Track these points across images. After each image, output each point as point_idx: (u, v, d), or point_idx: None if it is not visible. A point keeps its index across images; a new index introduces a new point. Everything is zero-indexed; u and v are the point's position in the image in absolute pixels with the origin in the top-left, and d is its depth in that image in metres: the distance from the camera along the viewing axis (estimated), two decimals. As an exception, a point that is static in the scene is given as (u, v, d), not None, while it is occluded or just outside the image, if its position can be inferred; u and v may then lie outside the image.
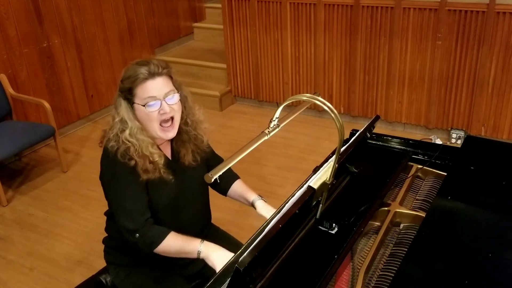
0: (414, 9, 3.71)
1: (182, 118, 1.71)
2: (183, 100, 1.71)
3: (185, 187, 1.76)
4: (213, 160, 1.88)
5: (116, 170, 1.62)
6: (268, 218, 1.72)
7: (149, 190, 1.67)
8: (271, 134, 1.45)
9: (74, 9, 4.27)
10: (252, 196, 1.87)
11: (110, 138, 1.62)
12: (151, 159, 1.62)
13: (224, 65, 4.84)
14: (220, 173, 1.34)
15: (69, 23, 4.26)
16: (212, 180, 1.32)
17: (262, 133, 1.44)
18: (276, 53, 4.45)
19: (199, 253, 1.62)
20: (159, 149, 1.69)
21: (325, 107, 1.32)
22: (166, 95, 1.61)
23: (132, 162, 1.60)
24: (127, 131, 1.60)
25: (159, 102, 1.60)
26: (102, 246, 1.91)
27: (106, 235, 1.90)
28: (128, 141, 1.60)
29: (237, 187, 1.92)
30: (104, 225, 1.89)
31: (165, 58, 5.28)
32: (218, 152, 1.96)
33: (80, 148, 4.16)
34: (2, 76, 3.76)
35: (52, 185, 3.66)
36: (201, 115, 1.79)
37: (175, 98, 1.64)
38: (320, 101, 1.33)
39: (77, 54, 4.37)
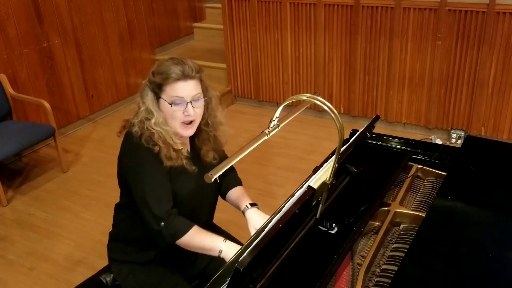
0: (414, 9, 3.71)
1: (203, 119, 1.74)
2: (207, 102, 1.74)
3: (204, 183, 1.76)
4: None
5: (139, 155, 1.64)
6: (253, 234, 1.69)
7: (172, 179, 1.67)
8: (271, 134, 1.45)
9: (74, 9, 4.28)
10: (243, 204, 1.83)
11: (135, 123, 1.65)
12: (175, 147, 1.64)
13: (224, 65, 4.84)
14: (220, 172, 1.34)
15: (69, 23, 4.26)
16: (212, 180, 1.32)
17: (262, 133, 1.44)
18: (276, 53, 4.45)
19: (220, 251, 1.61)
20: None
21: (325, 107, 1.32)
22: (193, 98, 1.64)
23: (156, 148, 1.62)
24: (153, 120, 1.63)
25: (185, 103, 1.63)
26: (102, 246, 1.91)
27: (110, 232, 1.90)
28: (153, 128, 1.62)
29: (234, 193, 1.90)
30: (104, 225, 1.89)
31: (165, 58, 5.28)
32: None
33: (80, 148, 4.16)
34: (2, 76, 3.76)
35: (52, 185, 3.66)
36: (223, 117, 1.81)
37: (200, 102, 1.67)
38: (320, 101, 1.33)
39: (77, 54, 4.37)
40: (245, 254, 1.20)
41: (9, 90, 3.76)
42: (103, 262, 1.98)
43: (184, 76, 1.62)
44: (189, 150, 1.77)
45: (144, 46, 5.11)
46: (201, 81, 1.70)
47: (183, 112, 1.64)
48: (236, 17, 4.52)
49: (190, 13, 5.69)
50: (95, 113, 4.64)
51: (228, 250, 1.61)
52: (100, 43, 4.58)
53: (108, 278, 1.87)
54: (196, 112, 1.66)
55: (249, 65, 4.66)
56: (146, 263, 1.80)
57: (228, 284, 1.27)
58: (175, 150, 1.64)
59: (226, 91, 4.83)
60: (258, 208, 1.83)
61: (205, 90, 1.72)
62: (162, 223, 1.61)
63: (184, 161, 1.66)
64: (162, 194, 1.64)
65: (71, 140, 4.32)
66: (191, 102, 1.64)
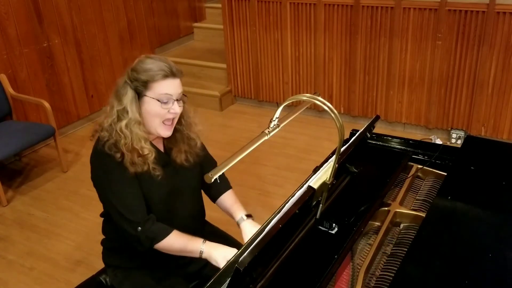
0: (414, 9, 3.71)
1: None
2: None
3: (177, 186, 1.75)
4: (207, 163, 1.87)
5: (102, 163, 1.64)
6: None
7: (140, 183, 1.66)
8: (271, 134, 1.45)
9: (74, 9, 4.28)
10: (238, 215, 1.83)
11: (104, 127, 1.64)
12: (140, 152, 1.61)
13: (224, 65, 4.84)
14: (220, 173, 1.34)
15: (69, 23, 4.26)
16: (212, 180, 1.32)
17: (262, 133, 1.44)
18: (276, 53, 4.45)
19: (201, 252, 1.63)
20: (152, 144, 1.68)
21: (325, 107, 1.32)
22: (179, 95, 1.64)
23: (118, 155, 1.60)
24: (124, 122, 1.60)
25: (172, 101, 1.62)
26: (102, 248, 1.91)
27: (102, 238, 1.89)
28: (122, 132, 1.59)
29: (226, 199, 1.89)
30: (103, 225, 1.89)
31: (165, 58, 5.28)
32: (218, 152, 1.95)
33: (80, 148, 4.16)
34: (2, 76, 3.76)
35: (52, 185, 3.66)
36: (196, 118, 1.80)
37: (183, 100, 1.67)
38: (320, 101, 1.33)
39: (77, 54, 4.37)
40: (245, 254, 1.20)
41: (9, 90, 3.76)
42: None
43: (173, 73, 1.61)
44: (163, 149, 1.75)
45: (144, 46, 5.11)
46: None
47: (169, 110, 1.62)
48: (236, 17, 4.52)
49: (190, 13, 5.69)
50: (95, 113, 4.64)
51: (209, 249, 1.62)
52: (100, 43, 4.58)
53: (108, 279, 1.87)
54: (181, 109, 1.66)
55: (249, 65, 4.66)
56: (141, 266, 1.79)
57: (228, 284, 1.27)
58: (141, 156, 1.61)
59: (226, 91, 4.83)
60: (253, 219, 1.82)
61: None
62: (139, 228, 1.61)
63: (151, 166, 1.63)
64: (132, 201, 1.63)
65: (71, 140, 4.32)
66: (176, 100, 1.63)
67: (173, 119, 1.65)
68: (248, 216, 1.82)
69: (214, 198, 1.92)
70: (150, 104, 1.61)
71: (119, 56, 4.80)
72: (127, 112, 1.61)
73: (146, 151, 1.62)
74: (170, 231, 1.64)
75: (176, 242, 1.64)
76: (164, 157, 1.73)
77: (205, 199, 1.94)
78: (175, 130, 1.73)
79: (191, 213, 1.85)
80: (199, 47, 5.60)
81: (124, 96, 1.63)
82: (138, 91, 1.62)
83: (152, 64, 1.60)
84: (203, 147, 1.85)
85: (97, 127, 1.71)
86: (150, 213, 1.66)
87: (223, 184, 1.92)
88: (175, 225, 1.69)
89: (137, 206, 1.63)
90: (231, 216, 1.86)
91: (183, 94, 1.67)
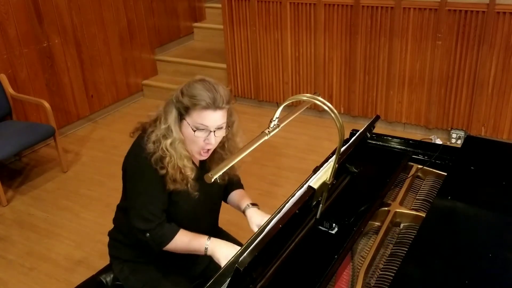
0: (414, 9, 3.71)
1: (220, 142, 1.69)
2: (229, 126, 1.69)
3: (206, 199, 1.77)
4: (231, 173, 1.86)
5: (145, 172, 1.62)
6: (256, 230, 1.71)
7: (174, 198, 1.67)
8: (271, 134, 1.45)
9: (74, 9, 4.27)
10: (244, 204, 1.85)
11: (150, 138, 1.61)
12: (183, 171, 1.62)
13: (224, 65, 4.84)
14: (220, 173, 1.34)
15: (69, 23, 4.26)
16: (212, 180, 1.32)
17: (262, 133, 1.44)
18: (276, 53, 4.45)
19: (206, 249, 1.64)
20: (194, 163, 1.69)
21: (325, 107, 1.32)
22: (218, 127, 1.60)
23: (163, 171, 1.60)
24: (169, 140, 1.60)
25: (208, 132, 1.59)
26: (102, 246, 1.90)
27: (111, 229, 1.90)
28: (167, 149, 1.59)
29: (236, 194, 1.91)
30: (104, 225, 1.89)
31: (165, 58, 5.29)
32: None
33: (80, 148, 4.16)
34: (2, 76, 3.76)
35: (52, 185, 3.66)
36: (242, 143, 1.77)
37: (222, 131, 1.63)
38: (320, 101, 1.33)
39: (77, 54, 4.37)
40: (245, 254, 1.20)
41: (9, 90, 3.76)
42: (103, 262, 1.98)
43: (214, 106, 1.55)
44: (199, 165, 1.75)
45: (144, 46, 5.11)
46: (229, 108, 1.64)
47: (204, 140, 1.60)
48: (236, 17, 4.52)
49: (190, 13, 5.69)
50: (95, 113, 4.64)
51: (213, 246, 1.64)
52: (100, 43, 4.58)
53: (108, 278, 1.87)
54: (216, 140, 1.63)
55: (249, 65, 4.66)
56: (148, 262, 1.81)
57: (228, 284, 1.27)
58: (182, 173, 1.62)
59: (226, 91, 4.83)
60: (258, 208, 1.84)
61: (229, 116, 1.67)
62: (148, 234, 1.64)
63: (190, 184, 1.64)
64: (152, 210, 1.64)
65: (71, 140, 4.32)
66: (214, 131, 1.59)
67: (208, 149, 1.64)
68: (254, 204, 1.84)
69: (225, 198, 1.94)
70: (188, 129, 1.60)
71: (119, 56, 4.80)
72: (172, 131, 1.61)
73: (188, 171, 1.63)
74: (176, 232, 1.66)
75: (182, 240, 1.66)
76: (202, 172, 1.73)
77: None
78: (215, 152, 1.73)
79: (212, 221, 1.90)
80: (199, 47, 5.60)
81: (169, 114, 1.62)
82: (181, 113, 1.61)
83: (198, 91, 1.57)
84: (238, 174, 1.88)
85: (140, 126, 1.70)
86: (161, 221, 1.66)
87: (235, 185, 1.93)
88: (196, 230, 1.71)
89: (152, 215, 1.64)
90: (239, 208, 1.87)
91: (226, 125, 1.63)
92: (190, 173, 1.63)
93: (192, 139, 1.61)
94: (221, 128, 1.62)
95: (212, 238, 1.66)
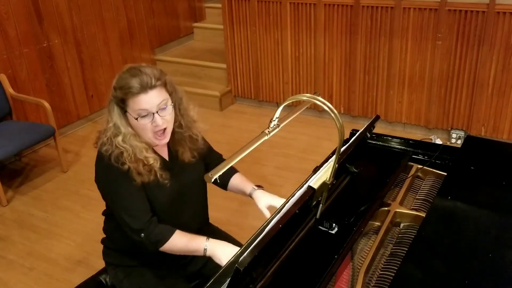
0: (414, 9, 3.71)
1: (176, 121, 1.69)
2: (177, 103, 1.69)
3: (183, 186, 1.76)
4: (210, 156, 1.88)
5: (111, 174, 1.62)
6: (267, 213, 1.73)
7: (147, 192, 1.67)
8: (271, 134, 1.45)
9: (74, 9, 4.28)
10: (249, 188, 1.85)
11: (104, 141, 1.62)
12: (145, 162, 1.61)
13: (224, 65, 4.84)
14: (220, 173, 1.34)
15: (69, 23, 4.26)
16: (212, 180, 1.32)
17: (262, 133, 1.43)
18: (276, 53, 4.45)
19: (205, 250, 1.62)
20: (155, 152, 1.68)
21: (325, 107, 1.32)
22: (159, 106, 1.58)
23: (126, 167, 1.60)
24: (120, 137, 1.60)
25: (151, 114, 1.58)
26: (102, 246, 1.91)
27: (102, 239, 1.90)
28: (122, 146, 1.59)
29: (235, 180, 1.90)
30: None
31: (165, 58, 5.29)
32: (218, 152, 1.96)
33: (80, 148, 4.16)
34: (2, 76, 3.76)
35: (52, 185, 3.66)
36: (195, 115, 1.77)
37: (168, 109, 1.61)
38: (320, 101, 1.33)
39: (77, 54, 4.37)
40: (245, 254, 1.20)
41: (9, 90, 3.76)
42: (103, 262, 1.97)
43: (143, 88, 1.54)
44: (168, 154, 1.75)
45: (144, 46, 5.11)
46: (165, 85, 1.62)
47: (151, 123, 1.59)
48: (236, 17, 4.52)
49: (190, 13, 5.69)
50: (95, 113, 4.64)
51: (213, 246, 1.62)
52: (100, 43, 4.58)
53: (108, 278, 1.87)
54: (165, 120, 1.61)
55: (249, 65, 4.66)
56: (141, 265, 1.80)
57: (228, 284, 1.27)
58: (146, 165, 1.61)
59: (226, 91, 4.83)
60: (263, 189, 1.84)
61: (172, 92, 1.66)
62: (142, 234, 1.62)
63: (158, 174, 1.64)
64: (137, 209, 1.63)
65: (71, 140, 4.32)
66: (157, 112, 1.58)
67: (164, 129, 1.63)
68: (259, 186, 1.84)
69: (224, 186, 1.92)
70: (133, 120, 1.60)
71: (119, 56, 4.80)
72: (119, 127, 1.61)
73: (151, 160, 1.62)
74: (173, 232, 1.64)
75: (180, 241, 1.64)
76: (170, 161, 1.74)
77: (210, 201, 1.94)
78: (175, 132, 1.72)
79: (197, 210, 1.86)
80: (199, 47, 5.60)
81: (112, 113, 1.62)
82: (121, 107, 1.61)
83: (126, 80, 1.56)
84: (205, 141, 1.85)
85: (99, 135, 1.69)
86: (153, 216, 1.66)
87: (229, 171, 1.89)
88: (180, 224, 1.69)
89: (141, 213, 1.63)
90: (243, 193, 1.86)
91: (170, 101, 1.62)
92: (154, 162, 1.63)
93: (141, 128, 1.60)
94: (164, 108, 1.60)
95: (211, 239, 1.65)
